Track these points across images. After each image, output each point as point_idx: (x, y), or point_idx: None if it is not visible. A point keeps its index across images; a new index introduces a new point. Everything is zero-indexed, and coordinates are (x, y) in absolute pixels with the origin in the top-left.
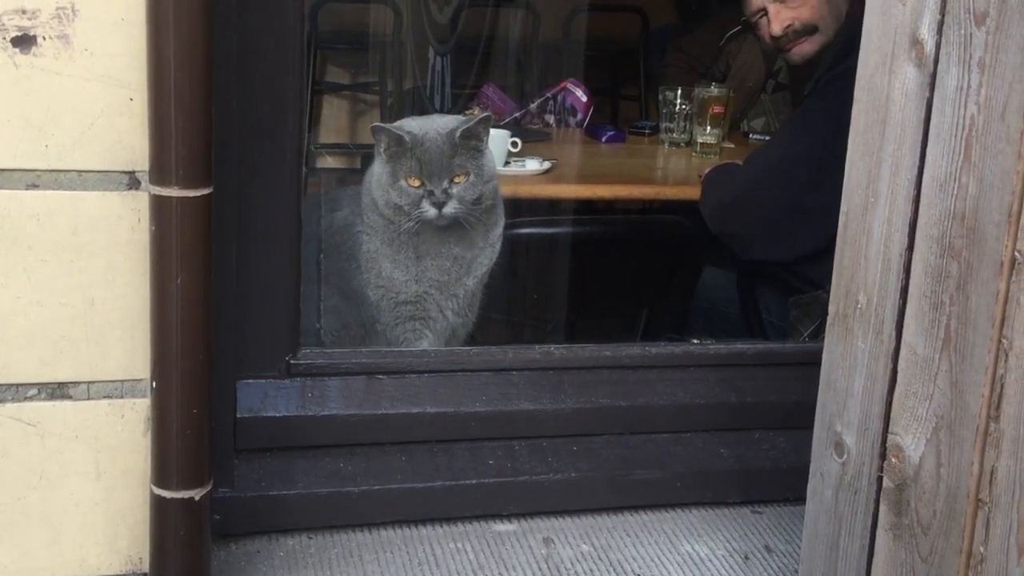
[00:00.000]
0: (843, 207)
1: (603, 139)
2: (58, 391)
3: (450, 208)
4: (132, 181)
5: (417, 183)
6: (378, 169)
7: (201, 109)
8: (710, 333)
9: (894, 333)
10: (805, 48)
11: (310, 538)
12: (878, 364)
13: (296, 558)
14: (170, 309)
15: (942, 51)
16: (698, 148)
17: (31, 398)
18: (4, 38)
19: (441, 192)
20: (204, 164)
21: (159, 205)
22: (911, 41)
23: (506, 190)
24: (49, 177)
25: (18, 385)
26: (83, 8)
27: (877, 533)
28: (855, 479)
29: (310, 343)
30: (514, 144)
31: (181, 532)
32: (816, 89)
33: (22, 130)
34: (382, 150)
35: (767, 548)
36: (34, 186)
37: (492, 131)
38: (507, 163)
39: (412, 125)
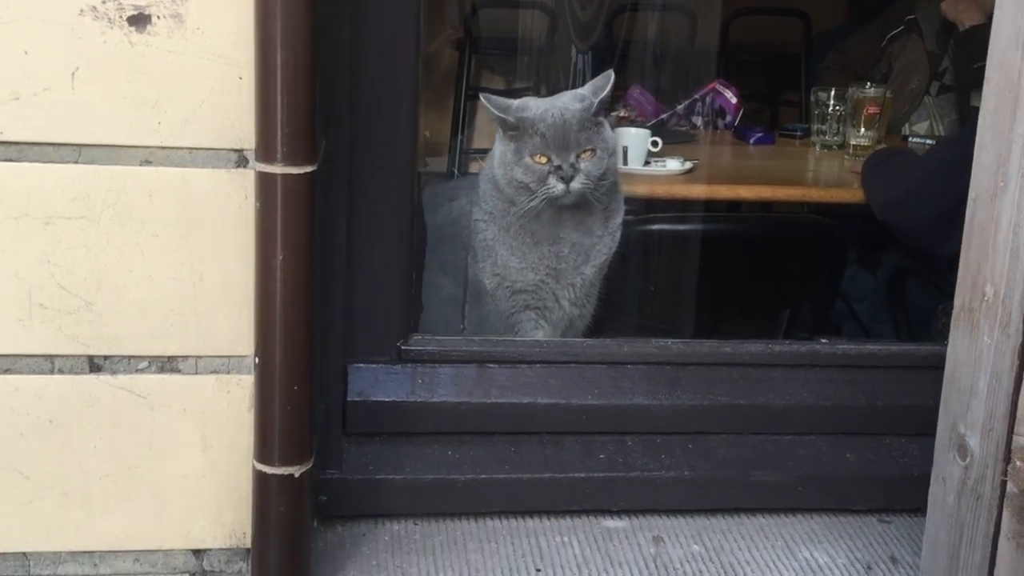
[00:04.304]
0: (971, 193)
1: (751, 141)
2: (168, 364)
3: (577, 183)
4: (240, 159)
5: (544, 160)
6: (501, 149)
7: (305, 86)
8: (855, 335)
9: (1021, 327)
10: None
11: (416, 524)
12: (1004, 360)
13: (401, 543)
14: (272, 285)
15: None
16: (851, 151)
17: (142, 371)
18: (121, 16)
19: (569, 167)
20: (308, 142)
21: (264, 182)
22: None
23: (644, 190)
24: (161, 154)
25: (130, 357)
26: None
27: (999, 542)
28: (978, 484)
29: (427, 331)
30: (654, 144)
31: (281, 508)
32: None
33: (136, 108)
34: (505, 130)
35: (892, 559)
36: (147, 162)
37: (632, 130)
38: (647, 163)
39: (534, 103)
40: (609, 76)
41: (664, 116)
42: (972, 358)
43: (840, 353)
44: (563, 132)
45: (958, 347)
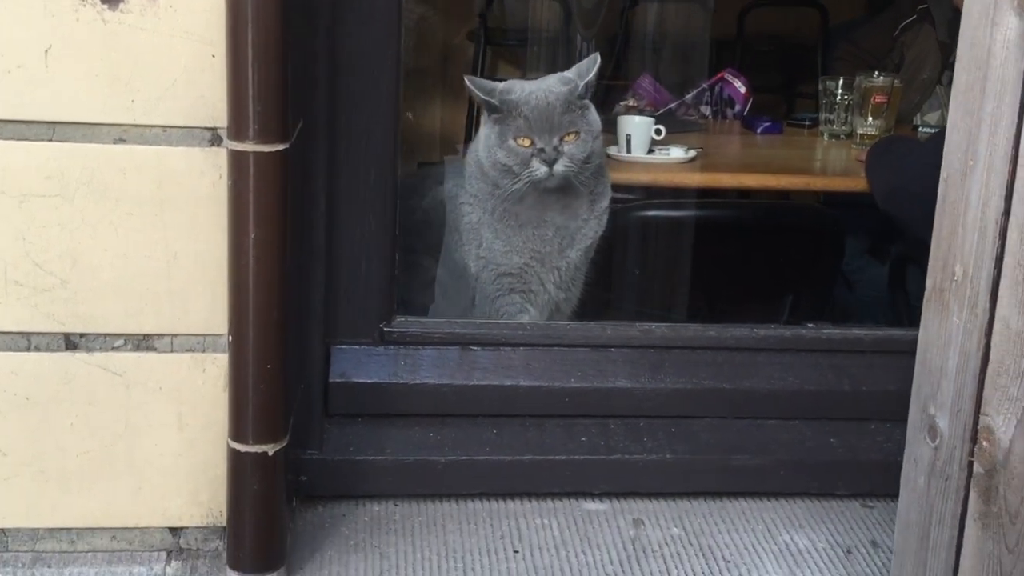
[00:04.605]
0: (942, 173)
1: (758, 130)
2: (143, 343)
3: (560, 166)
4: (214, 137)
5: (527, 142)
6: (485, 131)
7: (277, 64)
8: (857, 320)
9: (988, 306)
10: None
11: (396, 505)
12: (971, 340)
13: (380, 523)
14: (245, 263)
15: None
16: (858, 140)
17: (118, 348)
18: None
19: (552, 150)
20: (280, 120)
21: (235, 160)
22: None
23: (646, 177)
24: (135, 132)
25: (106, 335)
26: None
27: (966, 523)
28: (947, 464)
29: (412, 315)
30: (657, 132)
31: (255, 487)
32: None
33: (109, 85)
34: (490, 112)
35: (873, 543)
36: (121, 140)
37: (636, 118)
38: (650, 151)
39: (519, 85)
40: (595, 59)
41: (672, 105)
42: (942, 339)
43: (825, 338)
44: (547, 114)
45: (929, 328)
